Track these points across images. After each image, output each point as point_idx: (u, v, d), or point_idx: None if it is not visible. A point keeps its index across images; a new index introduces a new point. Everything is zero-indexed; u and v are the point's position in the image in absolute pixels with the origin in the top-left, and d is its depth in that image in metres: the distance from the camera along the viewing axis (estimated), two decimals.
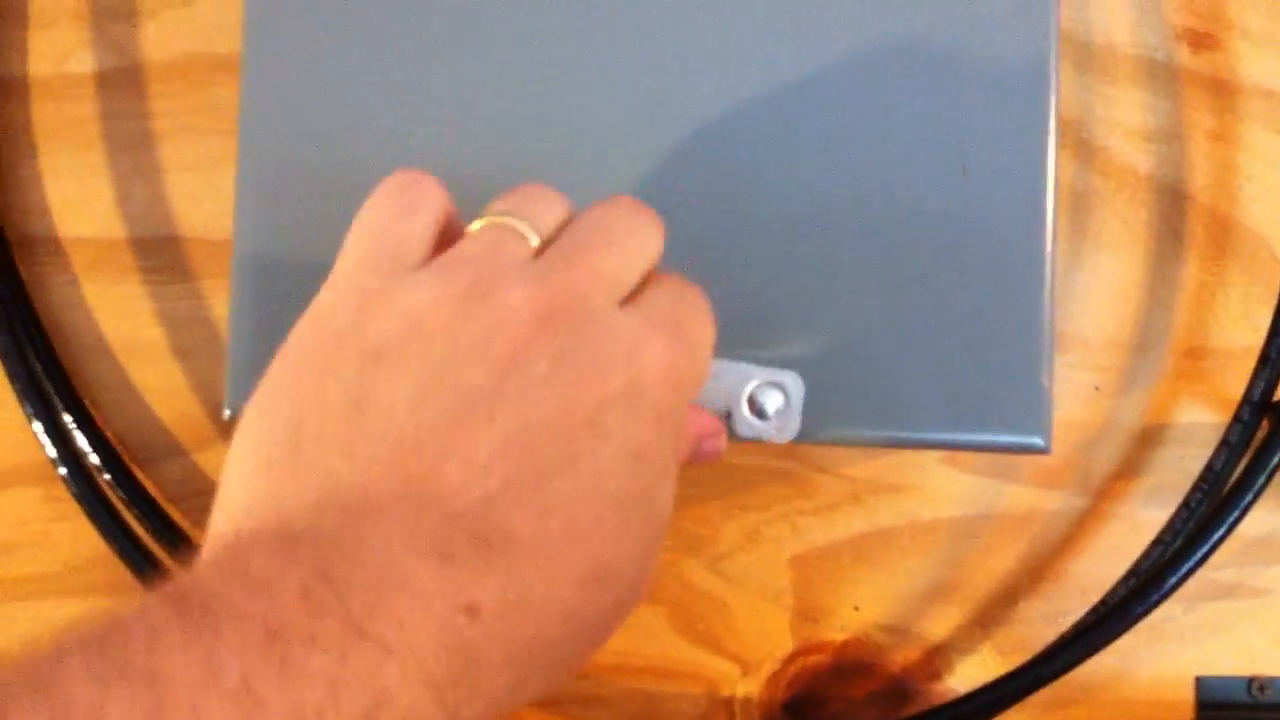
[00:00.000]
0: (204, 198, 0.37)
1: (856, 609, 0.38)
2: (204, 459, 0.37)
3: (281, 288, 0.31)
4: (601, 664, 0.37)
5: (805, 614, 0.38)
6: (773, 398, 0.30)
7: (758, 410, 0.30)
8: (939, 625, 0.38)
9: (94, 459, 0.35)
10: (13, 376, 0.35)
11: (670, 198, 0.32)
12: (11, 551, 0.37)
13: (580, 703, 0.37)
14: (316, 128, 0.32)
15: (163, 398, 0.37)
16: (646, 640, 0.37)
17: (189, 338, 0.37)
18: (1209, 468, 0.37)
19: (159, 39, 0.37)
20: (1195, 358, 0.38)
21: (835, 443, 0.34)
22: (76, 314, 0.36)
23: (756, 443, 0.30)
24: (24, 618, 0.37)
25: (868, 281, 0.33)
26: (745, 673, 0.38)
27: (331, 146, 0.32)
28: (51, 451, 0.35)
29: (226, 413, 0.31)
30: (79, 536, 0.36)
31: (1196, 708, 0.38)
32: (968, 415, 0.33)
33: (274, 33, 0.32)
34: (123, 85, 0.37)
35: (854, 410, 0.33)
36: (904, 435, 0.33)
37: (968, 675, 0.37)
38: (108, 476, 0.35)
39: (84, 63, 0.37)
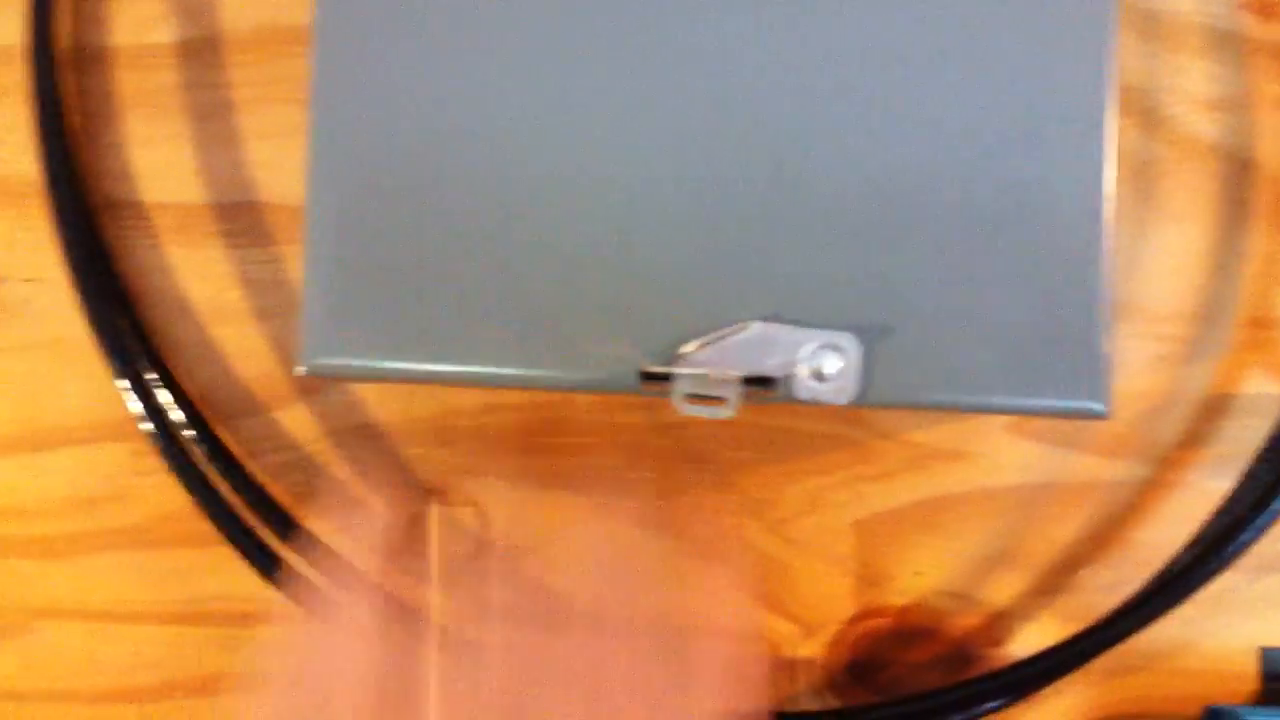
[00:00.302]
0: (281, 165, 0.38)
1: (918, 574, 0.38)
2: (280, 416, 0.38)
3: (353, 249, 0.32)
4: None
5: (867, 578, 0.38)
6: (830, 360, 0.31)
7: (815, 372, 0.31)
8: (1001, 592, 0.38)
9: (176, 416, 0.36)
10: (99, 336, 0.36)
11: (731, 165, 0.33)
12: (98, 505, 0.38)
13: None
14: (386, 94, 0.33)
15: (241, 357, 0.38)
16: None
17: (267, 300, 0.38)
18: (1273, 437, 0.37)
19: (236, 10, 0.38)
20: (1261, 328, 0.38)
21: (894, 406, 0.34)
22: (160, 277, 0.38)
23: (815, 405, 0.30)
24: (108, 568, 0.38)
25: (927, 245, 0.33)
26: (807, 635, 0.38)
27: (401, 112, 0.33)
28: (136, 408, 0.36)
29: (299, 369, 0.32)
30: (162, 491, 0.37)
31: (1261, 679, 0.38)
32: (1027, 380, 0.33)
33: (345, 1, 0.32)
34: (202, 55, 0.38)
35: (913, 373, 0.33)
36: (962, 399, 0.33)
37: (1029, 642, 0.38)
38: (189, 433, 0.36)
39: (165, 33, 0.38)
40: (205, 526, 0.36)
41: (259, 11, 0.38)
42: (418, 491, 0.38)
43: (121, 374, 0.36)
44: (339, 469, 0.38)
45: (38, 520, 0.37)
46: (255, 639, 0.37)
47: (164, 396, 0.36)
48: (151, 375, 0.36)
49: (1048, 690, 0.37)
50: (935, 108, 0.33)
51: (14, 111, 0.38)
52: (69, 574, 0.38)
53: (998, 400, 0.33)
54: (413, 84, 0.32)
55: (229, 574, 0.37)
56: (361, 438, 0.38)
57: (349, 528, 0.37)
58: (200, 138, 0.38)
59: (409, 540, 0.38)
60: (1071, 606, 0.38)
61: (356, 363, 0.32)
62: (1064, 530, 0.38)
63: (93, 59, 0.38)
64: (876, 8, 0.33)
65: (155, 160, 0.38)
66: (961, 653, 0.38)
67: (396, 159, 0.33)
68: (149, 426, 0.36)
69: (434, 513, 0.38)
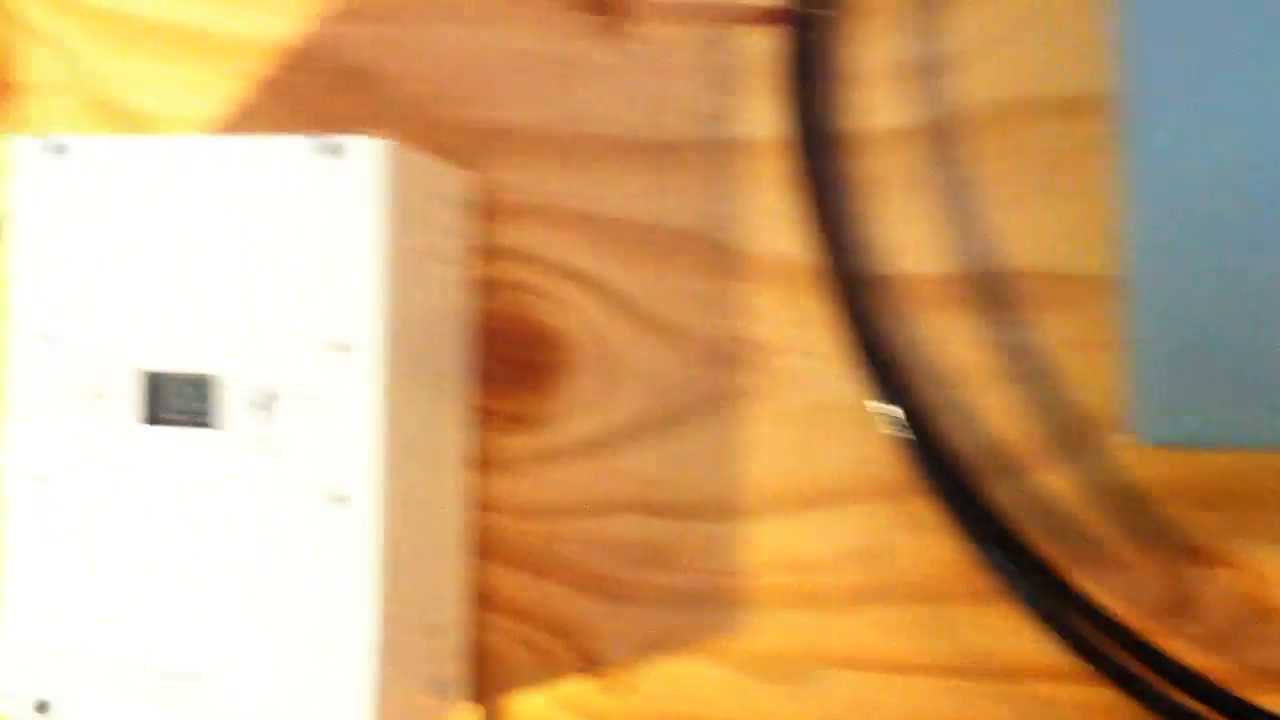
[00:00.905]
0: (1029, 234, 0.39)
1: None
2: (1042, 477, 0.39)
3: (1176, 319, 0.33)
4: None
5: None
6: None
7: None
8: None
9: (942, 476, 0.38)
10: (870, 401, 0.39)
11: None
12: (870, 560, 0.40)
13: None
14: (1209, 159, 0.33)
15: (1000, 420, 0.39)
16: None
17: (1021, 363, 0.39)
18: None
19: (976, 89, 0.40)
20: None
21: None
22: (919, 344, 0.40)
23: None
24: (881, 621, 0.40)
25: None
26: None
27: (1225, 180, 0.33)
28: (904, 469, 0.38)
29: (1132, 439, 0.33)
30: (931, 548, 0.39)
31: None
32: None
33: (1162, 59, 0.33)
34: (946, 133, 0.40)
35: None
36: None
37: None
38: (955, 493, 0.38)
39: (909, 115, 0.40)
40: (973, 582, 0.37)
41: (999, 89, 0.39)
42: (1181, 553, 0.37)
43: (891, 437, 0.38)
44: (1103, 529, 0.38)
45: (817, 573, 0.40)
46: (1030, 694, 0.38)
47: (929, 458, 0.38)
48: (917, 438, 0.38)
49: None
50: None
51: (781, 198, 0.41)
52: (846, 625, 0.40)
53: None
54: (1240, 150, 0.32)
55: (1000, 629, 0.38)
56: (1124, 498, 0.38)
57: (1115, 589, 0.38)
58: (948, 211, 0.40)
59: (1174, 603, 0.37)
60: None
61: (1194, 433, 0.33)
62: None
63: (846, 143, 0.41)
64: None
65: (909, 235, 0.40)
66: None
67: (1221, 225, 0.32)
68: (918, 486, 0.38)
69: (1199, 576, 0.37)
